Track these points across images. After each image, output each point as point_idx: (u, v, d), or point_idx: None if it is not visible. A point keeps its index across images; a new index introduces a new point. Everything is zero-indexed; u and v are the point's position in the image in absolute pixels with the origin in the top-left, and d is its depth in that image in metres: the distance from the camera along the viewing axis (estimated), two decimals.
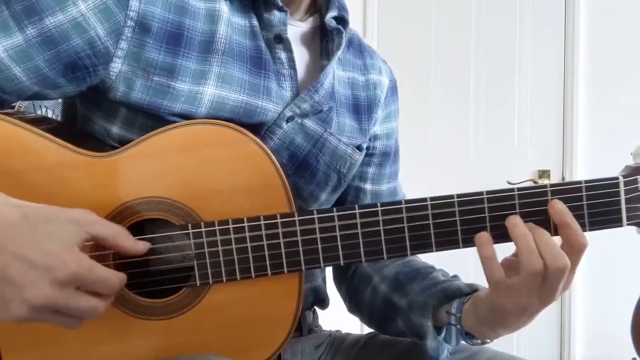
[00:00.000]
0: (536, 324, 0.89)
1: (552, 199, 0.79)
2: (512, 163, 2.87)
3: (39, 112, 1.63)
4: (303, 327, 0.99)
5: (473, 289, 0.87)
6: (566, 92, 2.88)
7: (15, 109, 1.48)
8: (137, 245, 0.75)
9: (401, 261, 1.01)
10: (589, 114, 2.85)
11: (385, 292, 0.97)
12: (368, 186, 1.05)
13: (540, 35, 2.88)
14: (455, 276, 0.94)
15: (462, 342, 0.89)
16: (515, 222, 0.77)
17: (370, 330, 1.07)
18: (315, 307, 1.05)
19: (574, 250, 0.76)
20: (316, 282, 1.01)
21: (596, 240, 0.80)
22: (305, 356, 0.99)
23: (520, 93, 2.90)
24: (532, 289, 0.76)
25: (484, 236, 0.77)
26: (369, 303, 1.00)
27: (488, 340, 0.87)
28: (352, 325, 1.22)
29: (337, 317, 1.17)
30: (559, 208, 0.77)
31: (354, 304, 1.05)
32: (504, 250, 0.80)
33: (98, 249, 0.77)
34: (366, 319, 1.03)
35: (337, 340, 1.05)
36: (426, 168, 2.81)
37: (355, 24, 2.77)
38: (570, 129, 2.85)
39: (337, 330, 1.09)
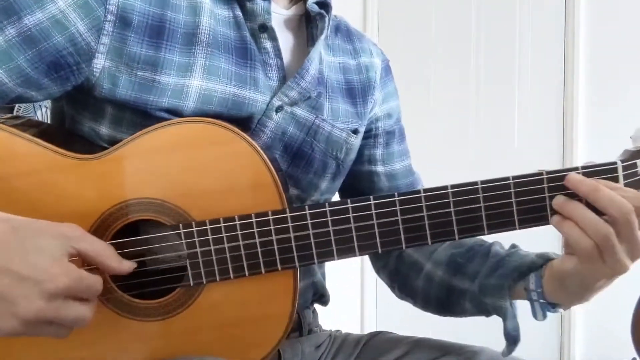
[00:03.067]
0: (536, 324, 0.89)
1: (548, 186, 0.78)
2: (512, 163, 2.85)
3: (38, 112, 1.63)
4: (303, 326, 0.98)
5: (545, 259, 0.86)
6: (566, 92, 2.86)
7: (15, 111, 1.47)
8: (122, 266, 0.74)
9: (450, 241, 0.99)
10: (589, 114, 2.84)
11: (443, 278, 0.96)
12: (380, 168, 1.04)
13: (540, 35, 2.87)
14: (514, 246, 0.93)
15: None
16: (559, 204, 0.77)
17: (373, 330, 1.06)
18: (315, 307, 1.04)
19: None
20: (315, 277, 0.99)
21: None
22: (305, 356, 0.98)
23: (520, 93, 2.89)
24: (618, 248, 0.76)
25: (556, 218, 0.77)
26: (423, 290, 0.99)
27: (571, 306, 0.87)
28: (353, 325, 1.21)
29: (337, 316, 1.16)
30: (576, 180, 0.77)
31: (405, 292, 1.04)
32: None
33: None
34: (421, 305, 1.02)
35: (338, 340, 1.04)
36: (426, 168, 2.79)
37: (355, 24, 2.78)
38: (570, 128, 2.84)
39: (337, 330, 1.07)
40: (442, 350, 0.95)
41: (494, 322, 0.91)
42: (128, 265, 0.75)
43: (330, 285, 1.07)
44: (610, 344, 2.67)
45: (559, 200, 0.77)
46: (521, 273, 0.86)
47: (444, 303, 0.97)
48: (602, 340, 2.76)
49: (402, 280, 1.04)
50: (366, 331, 1.07)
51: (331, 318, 1.13)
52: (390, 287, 1.08)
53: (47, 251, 0.66)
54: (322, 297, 1.03)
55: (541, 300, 0.84)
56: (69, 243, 0.68)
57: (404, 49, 2.90)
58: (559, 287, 0.82)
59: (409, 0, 2.97)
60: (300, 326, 0.98)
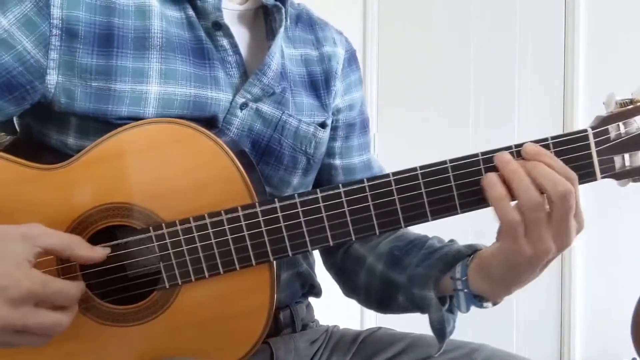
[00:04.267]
0: (536, 324, 0.87)
1: (517, 160, 0.77)
2: None
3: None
4: (296, 322, 0.97)
5: (473, 249, 0.84)
6: (566, 92, 2.85)
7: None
8: (95, 253, 0.73)
9: (394, 235, 0.97)
10: (589, 114, 2.82)
11: (382, 270, 0.94)
12: (337, 161, 1.03)
13: (540, 35, 2.87)
14: (451, 241, 0.90)
15: (473, 307, 0.83)
16: (502, 161, 0.76)
17: (372, 325, 1.05)
18: (310, 301, 1.03)
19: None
20: (299, 267, 0.98)
21: (596, 239, 0.79)
22: (299, 352, 0.96)
23: (520, 93, 2.88)
24: (544, 227, 0.72)
25: (491, 177, 0.75)
26: (365, 284, 0.97)
27: (498, 301, 0.83)
28: (352, 321, 1.19)
29: (336, 312, 1.15)
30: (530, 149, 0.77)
31: (350, 287, 1.02)
32: None
33: (63, 262, 0.76)
34: (364, 301, 1.00)
35: (335, 336, 1.02)
36: None
37: (355, 24, 2.79)
38: (570, 128, 2.82)
39: (335, 326, 1.06)
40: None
41: (493, 321, 0.89)
42: (101, 252, 0.74)
43: (330, 280, 1.06)
44: (610, 344, 2.63)
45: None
46: (447, 263, 0.84)
47: (382, 298, 0.95)
48: (602, 340, 2.71)
49: (347, 276, 1.02)
50: (366, 327, 1.06)
51: (330, 313, 1.12)
52: (338, 283, 1.05)
53: (10, 257, 0.65)
54: (312, 289, 1.01)
55: (465, 290, 0.81)
56: (33, 243, 0.67)
57: (404, 48, 2.90)
58: (483, 276, 0.80)
59: (409, 0, 2.98)
60: (292, 321, 0.97)
